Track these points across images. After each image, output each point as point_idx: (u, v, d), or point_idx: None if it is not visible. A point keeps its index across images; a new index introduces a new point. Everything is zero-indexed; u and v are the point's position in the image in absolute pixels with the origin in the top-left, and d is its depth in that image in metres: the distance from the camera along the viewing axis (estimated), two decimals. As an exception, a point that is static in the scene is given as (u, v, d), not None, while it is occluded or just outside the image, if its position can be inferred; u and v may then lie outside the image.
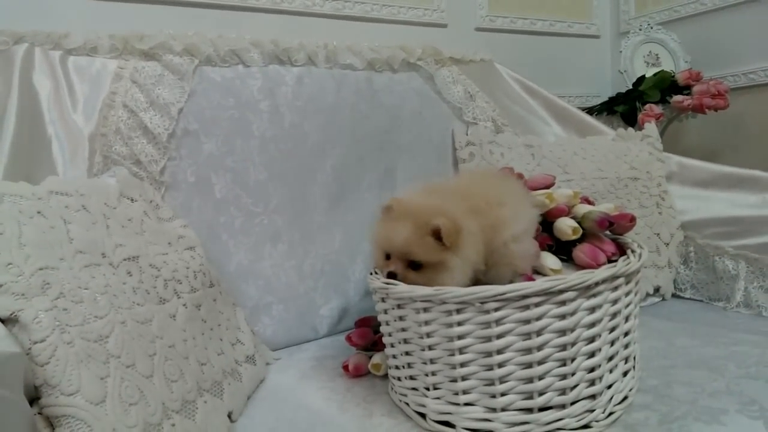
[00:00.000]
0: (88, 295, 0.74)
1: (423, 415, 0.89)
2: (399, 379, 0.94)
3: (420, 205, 0.89)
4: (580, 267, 0.91)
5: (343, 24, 1.83)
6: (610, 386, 0.87)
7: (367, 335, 1.14)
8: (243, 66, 1.33)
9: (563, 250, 0.98)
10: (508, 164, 1.44)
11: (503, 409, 0.82)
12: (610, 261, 0.91)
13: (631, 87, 2.14)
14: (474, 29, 2.13)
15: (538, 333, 0.80)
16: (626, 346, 0.90)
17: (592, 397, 0.84)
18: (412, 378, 0.91)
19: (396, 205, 0.90)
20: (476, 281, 0.88)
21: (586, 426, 0.84)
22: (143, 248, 0.91)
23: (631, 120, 2.09)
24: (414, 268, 0.88)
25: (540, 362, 0.81)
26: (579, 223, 0.98)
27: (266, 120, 1.32)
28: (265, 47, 1.35)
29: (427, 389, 0.88)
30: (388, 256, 0.91)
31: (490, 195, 0.92)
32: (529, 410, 0.82)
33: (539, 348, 0.80)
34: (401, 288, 0.85)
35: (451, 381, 0.85)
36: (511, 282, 0.85)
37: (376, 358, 1.08)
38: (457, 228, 0.85)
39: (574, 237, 0.96)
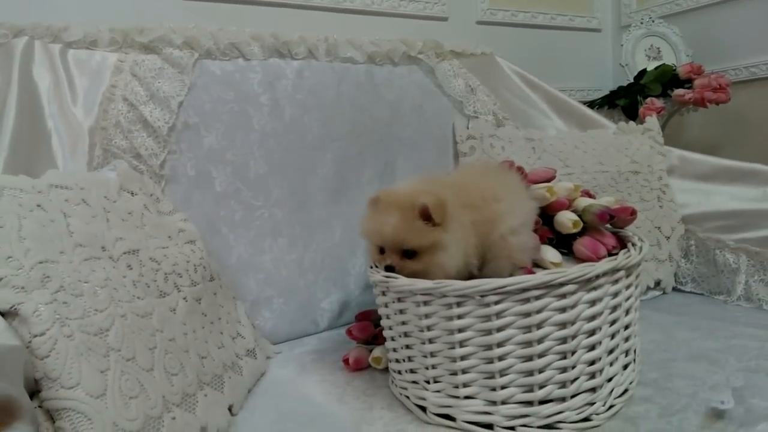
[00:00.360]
0: (88, 289, 0.74)
1: (423, 408, 0.90)
2: (399, 372, 0.95)
3: (404, 192, 0.90)
4: (581, 260, 0.92)
5: (343, 17, 1.82)
6: (610, 379, 0.87)
7: (368, 329, 1.15)
8: (243, 59, 1.33)
9: (564, 243, 0.98)
10: (508, 158, 1.44)
11: (503, 402, 0.83)
12: (610, 254, 0.91)
13: (632, 80, 2.14)
14: (475, 22, 2.12)
15: (539, 326, 0.80)
16: (626, 339, 0.90)
17: (593, 390, 0.84)
18: (412, 371, 0.91)
19: (383, 196, 0.91)
20: (471, 277, 0.88)
21: (586, 419, 0.84)
22: (143, 242, 0.91)
23: (632, 114, 2.08)
24: (409, 256, 0.88)
25: (540, 355, 0.81)
26: (580, 216, 0.98)
27: (266, 113, 1.32)
28: (266, 40, 1.35)
29: (428, 382, 0.88)
30: (382, 250, 0.91)
31: (486, 190, 0.93)
32: (530, 403, 0.83)
33: (539, 341, 0.80)
34: (401, 281, 0.85)
35: (452, 374, 0.85)
36: (511, 275, 0.85)
37: (377, 351, 1.08)
38: (443, 202, 0.85)
39: (574, 230, 0.96)
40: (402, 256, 0.88)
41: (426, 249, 0.87)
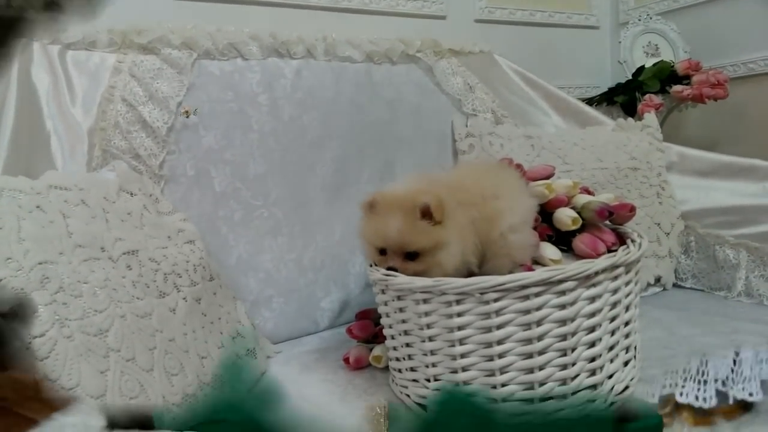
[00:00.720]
0: (88, 289, 0.74)
1: (424, 407, 0.89)
2: (400, 370, 0.95)
3: (403, 193, 0.89)
4: (580, 257, 0.91)
5: (341, 16, 1.82)
6: (610, 376, 0.87)
7: (368, 327, 1.14)
8: (242, 59, 1.32)
9: (563, 240, 0.98)
10: (507, 155, 1.44)
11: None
12: (609, 251, 0.91)
13: (630, 77, 2.13)
14: (473, 21, 2.11)
15: (538, 323, 0.80)
16: (627, 336, 0.90)
17: (593, 387, 0.84)
18: (412, 369, 0.91)
19: (380, 198, 0.90)
20: (470, 274, 0.87)
21: (586, 416, 0.84)
22: (143, 242, 0.91)
23: (630, 110, 2.08)
24: (411, 257, 0.88)
25: (540, 352, 0.81)
26: (579, 213, 0.98)
27: (265, 113, 1.32)
28: (264, 40, 1.35)
29: (428, 380, 0.88)
30: (381, 251, 0.91)
31: (484, 187, 0.92)
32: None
33: (539, 338, 0.80)
34: (401, 279, 0.85)
35: (452, 372, 0.85)
36: (510, 273, 0.85)
37: (377, 350, 1.08)
38: (442, 201, 0.85)
39: (573, 227, 0.96)
40: (404, 258, 0.88)
41: (429, 249, 0.86)
